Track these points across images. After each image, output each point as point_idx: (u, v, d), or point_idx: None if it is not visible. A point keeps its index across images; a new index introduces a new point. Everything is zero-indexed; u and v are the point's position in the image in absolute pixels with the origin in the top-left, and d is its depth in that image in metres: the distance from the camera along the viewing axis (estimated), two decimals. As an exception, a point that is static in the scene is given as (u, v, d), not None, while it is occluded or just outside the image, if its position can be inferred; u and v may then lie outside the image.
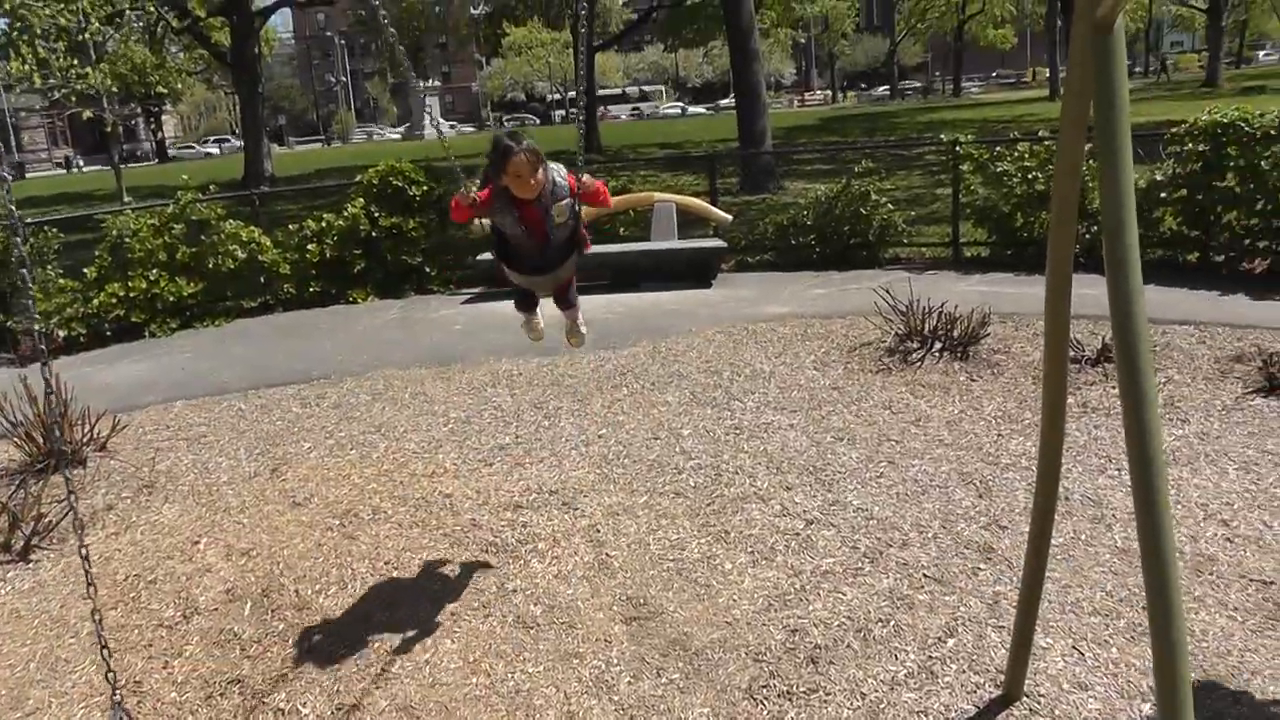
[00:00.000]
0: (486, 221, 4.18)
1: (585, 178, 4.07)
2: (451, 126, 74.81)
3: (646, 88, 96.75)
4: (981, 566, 4.57)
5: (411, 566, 4.98)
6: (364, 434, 7.01)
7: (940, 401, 6.83)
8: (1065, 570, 4.44)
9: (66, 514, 5.84)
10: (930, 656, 3.91)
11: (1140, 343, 2.38)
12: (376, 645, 4.28)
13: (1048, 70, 57.74)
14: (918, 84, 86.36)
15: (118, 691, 2.75)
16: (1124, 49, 2.46)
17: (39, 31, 24.34)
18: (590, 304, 10.50)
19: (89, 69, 25.39)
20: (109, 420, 7.07)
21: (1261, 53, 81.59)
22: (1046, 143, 11.22)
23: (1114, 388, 6.74)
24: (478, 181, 4.09)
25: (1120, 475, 5.40)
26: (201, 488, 6.27)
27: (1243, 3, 59.16)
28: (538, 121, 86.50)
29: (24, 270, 3.13)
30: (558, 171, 4.04)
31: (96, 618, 2.80)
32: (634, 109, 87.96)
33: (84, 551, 2.84)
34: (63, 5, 24.03)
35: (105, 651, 2.80)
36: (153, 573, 5.11)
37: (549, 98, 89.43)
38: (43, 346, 2.98)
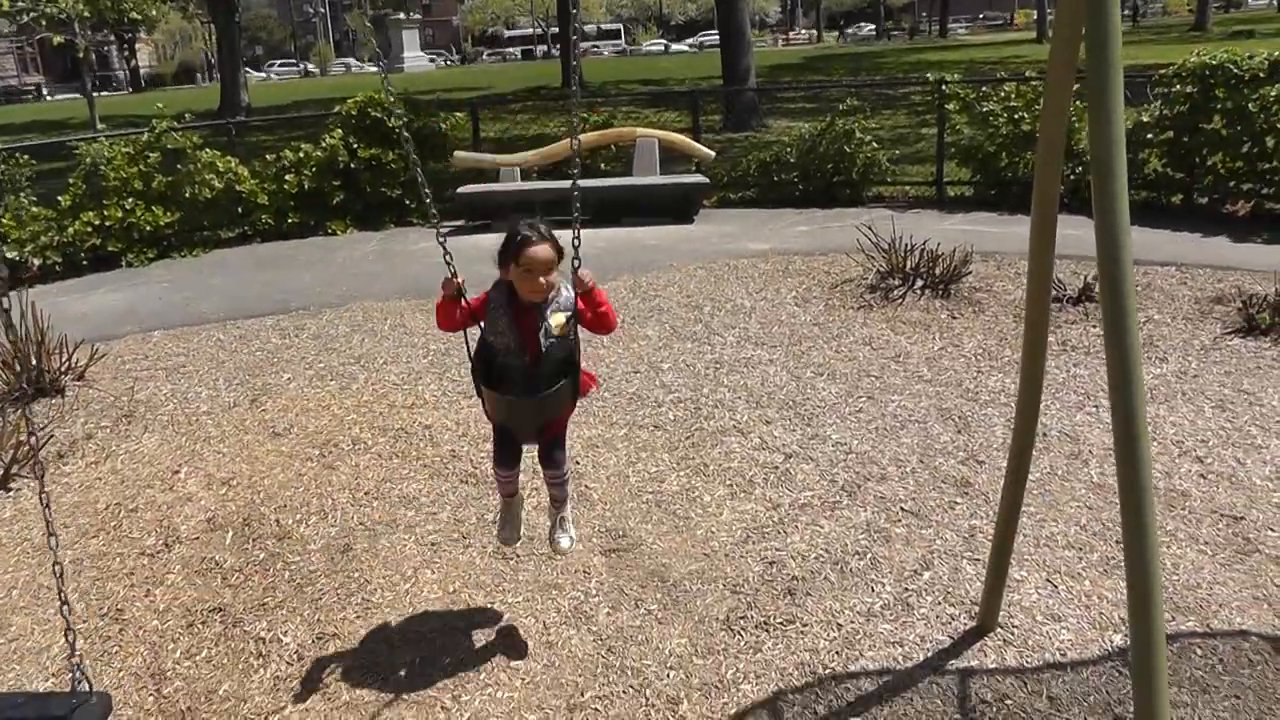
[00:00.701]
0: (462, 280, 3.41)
1: (584, 273, 3.30)
2: (431, 60, 73.74)
3: (605, 25, 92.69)
4: (958, 500, 4.61)
5: (392, 497, 4.98)
6: (343, 365, 6.99)
7: (921, 338, 6.85)
8: (1041, 504, 4.49)
9: (45, 443, 5.84)
10: (906, 589, 3.96)
11: (1126, 282, 2.37)
12: (357, 575, 4.30)
13: (1035, 13, 57.22)
14: (890, 26, 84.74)
15: (77, 653, 2.73)
16: None
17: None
18: (567, 238, 10.43)
19: (60, -9, 24.87)
20: (87, 349, 7.02)
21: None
22: (1034, 83, 11.16)
23: (1094, 327, 6.77)
24: (458, 280, 3.39)
25: (1098, 412, 5.44)
26: (181, 417, 6.24)
27: (1232, -55, 58.64)
28: (518, 56, 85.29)
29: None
30: (565, 281, 3.39)
31: (57, 570, 2.77)
32: (593, 47, 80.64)
33: (45, 499, 2.80)
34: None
35: (65, 608, 2.74)
36: (133, 501, 5.11)
37: (533, 31, 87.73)
38: (2, 275, 2.94)
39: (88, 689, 2.64)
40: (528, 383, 3.38)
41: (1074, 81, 2.94)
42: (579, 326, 3.41)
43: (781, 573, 4.12)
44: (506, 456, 3.64)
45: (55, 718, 2.51)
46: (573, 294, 3.37)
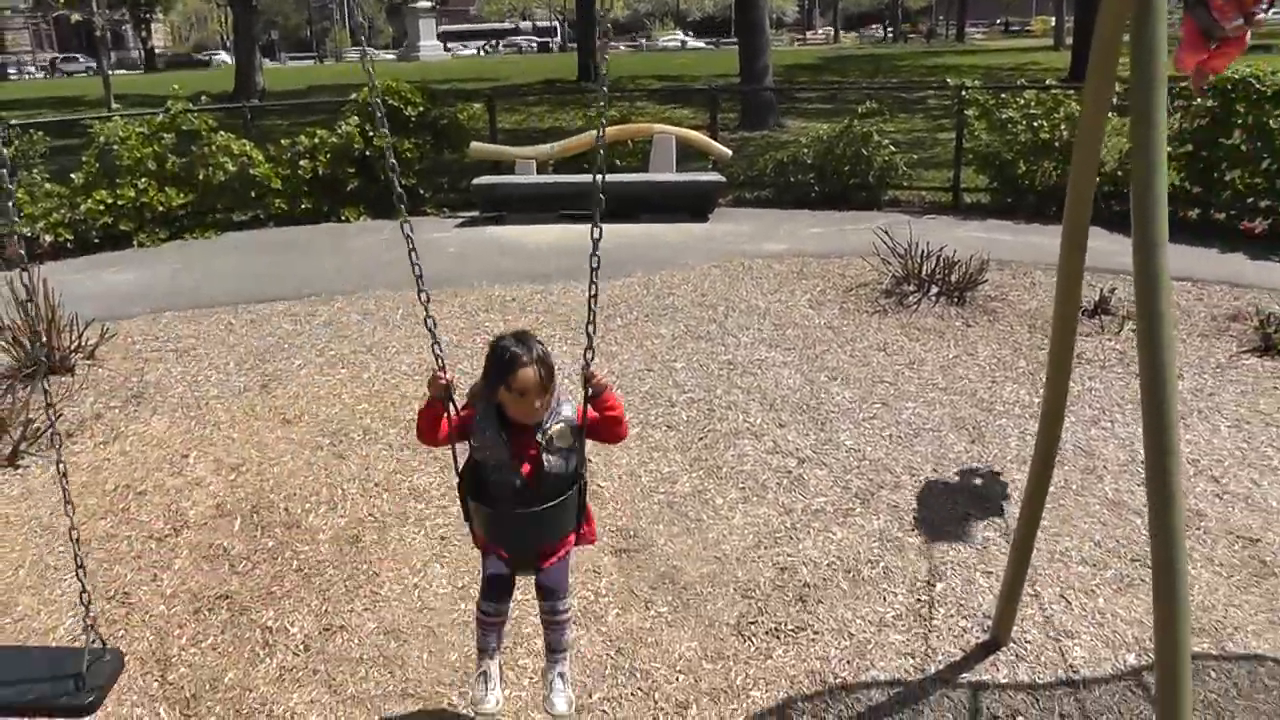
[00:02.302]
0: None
1: (594, 370, 2.93)
2: (447, 49, 73.59)
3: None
4: (972, 512, 4.58)
5: (401, 489, 4.96)
6: (355, 353, 6.96)
7: (935, 345, 6.82)
8: (1055, 519, 4.45)
9: (56, 420, 5.81)
10: (919, 599, 3.93)
11: (1163, 292, 2.34)
12: (365, 567, 4.28)
13: (1053, 19, 57.08)
14: (908, 29, 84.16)
15: (90, 612, 2.71)
16: None
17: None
18: (584, 232, 10.41)
19: (79, -30, 24.85)
20: (97, 328, 7.00)
21: (1271, 11, 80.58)
22: (1054, 92, 11.13)
23: (1109, 340, 6.73)
24: (447, 377, 2.90)
25: (1113, 428, 5.41)
26: (190, 400, 6.22)
27: (1253, -42, 58.34)
28: (535, 49, 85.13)
29: (2, 170, 2.99)
30: (567, 403, 3.01)
31: (74, 535, 2.76)
32: (610, 42, 79.79)
33: (62, 468, 2.79)
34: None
35: (81, 571, 2.74)
36: (142, 484, 5.09)
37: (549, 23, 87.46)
38: (21, 251, 2.92)
39: (101, 646, 2.66)
40: (524, 502, 2.91)
41: (1113, 89, 2.91)
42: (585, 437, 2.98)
43: (793, 579, 4.09)
44: (497, 589, 3.05)
45: (70, 673, 2.57)
46: (575, 406, 2.99)
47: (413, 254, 2.91)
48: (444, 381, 2.88)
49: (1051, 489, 4.60)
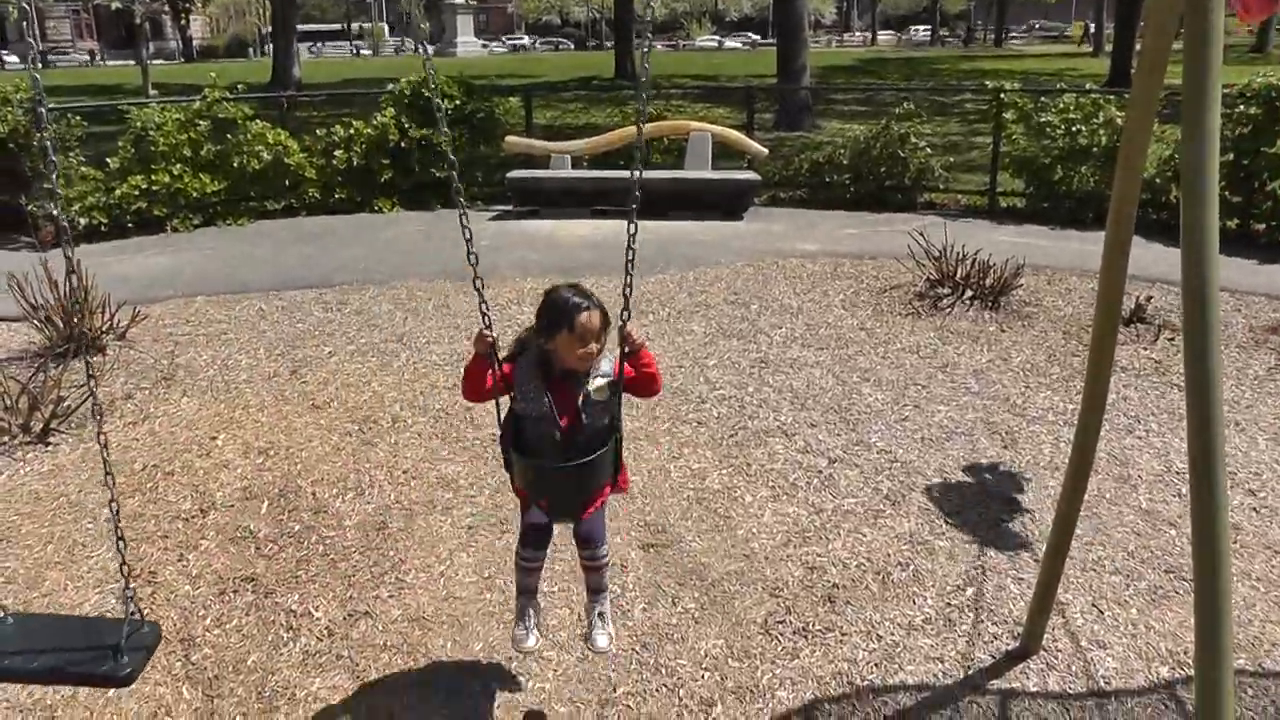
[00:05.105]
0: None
1: (632, 328, 2.97)
2: (484, 45, 73.68)
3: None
4: (1004, 518, 4.52)
5: (429, 477, 4.95)
6: (385, 342, 6.96)
7: (968, 350, 6.74)
8: (1088, 527, 4.38)
9: (85, 399, 5.84)
10: (949, 604, 3.88)
11: (1212, 304, 2.30)
12: (391, 554, 4.27)
13: (1092, 26, 56.56)
14: (946, 33, 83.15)
15: (130, 585, 2.72)
16: None
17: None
18: (620, 227, 10.39)
19: (120, -42, 25.03)
20: (129, 310, 7.03)
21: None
22: (1093, 96, 11.01)
23: (1144, 349, 6.64)
24: (492, 335, 2.99)
25: (1147, 437, 5.32)
26: (220, 384, 6.24)
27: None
28: (573, 46, 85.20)
29: (51, 158, 3.01)
30: (605, 359, 3.08)
31: (114, 508, 2.76)
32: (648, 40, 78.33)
33: (103, 439, 2.80)
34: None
35: (121, 543, 2.77)
36: (170, 465, 5.10)
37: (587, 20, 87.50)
38: (65, 232, 2.92)
39: (139, 619, 2.66)
40: (564, 454, 3.00)
41: (1162, 89, 2.85)
42: (621, 392, 3.06)
43: (822, 579, 4.05)
44: (536, 536, 3.21)
45: (109, 644, 2.57)
46: (613, 362, 3.05)
47: (463, 216, 3.02)
48: (490, 339, 2.97)
49: (1085, 497, 4.55)
